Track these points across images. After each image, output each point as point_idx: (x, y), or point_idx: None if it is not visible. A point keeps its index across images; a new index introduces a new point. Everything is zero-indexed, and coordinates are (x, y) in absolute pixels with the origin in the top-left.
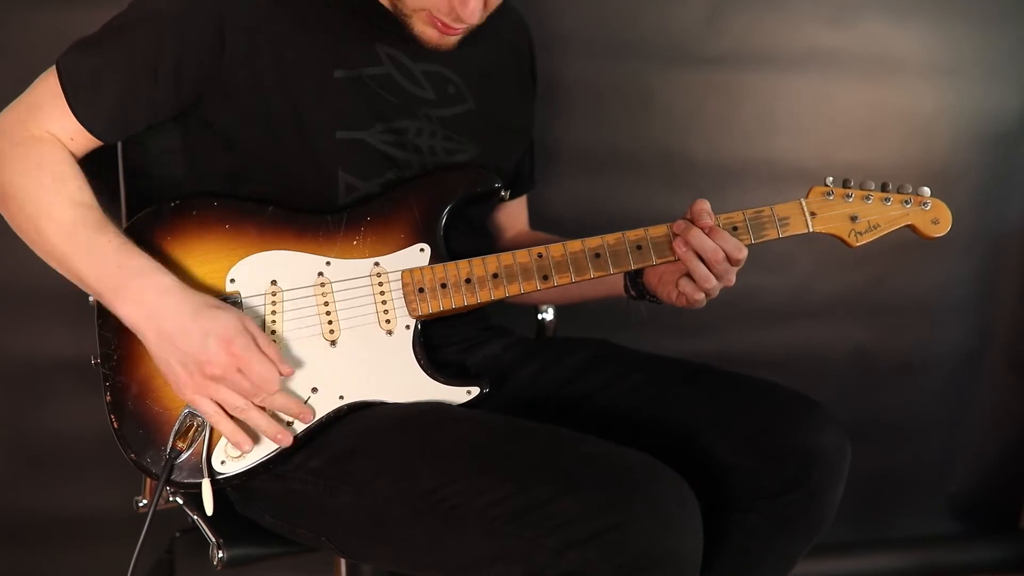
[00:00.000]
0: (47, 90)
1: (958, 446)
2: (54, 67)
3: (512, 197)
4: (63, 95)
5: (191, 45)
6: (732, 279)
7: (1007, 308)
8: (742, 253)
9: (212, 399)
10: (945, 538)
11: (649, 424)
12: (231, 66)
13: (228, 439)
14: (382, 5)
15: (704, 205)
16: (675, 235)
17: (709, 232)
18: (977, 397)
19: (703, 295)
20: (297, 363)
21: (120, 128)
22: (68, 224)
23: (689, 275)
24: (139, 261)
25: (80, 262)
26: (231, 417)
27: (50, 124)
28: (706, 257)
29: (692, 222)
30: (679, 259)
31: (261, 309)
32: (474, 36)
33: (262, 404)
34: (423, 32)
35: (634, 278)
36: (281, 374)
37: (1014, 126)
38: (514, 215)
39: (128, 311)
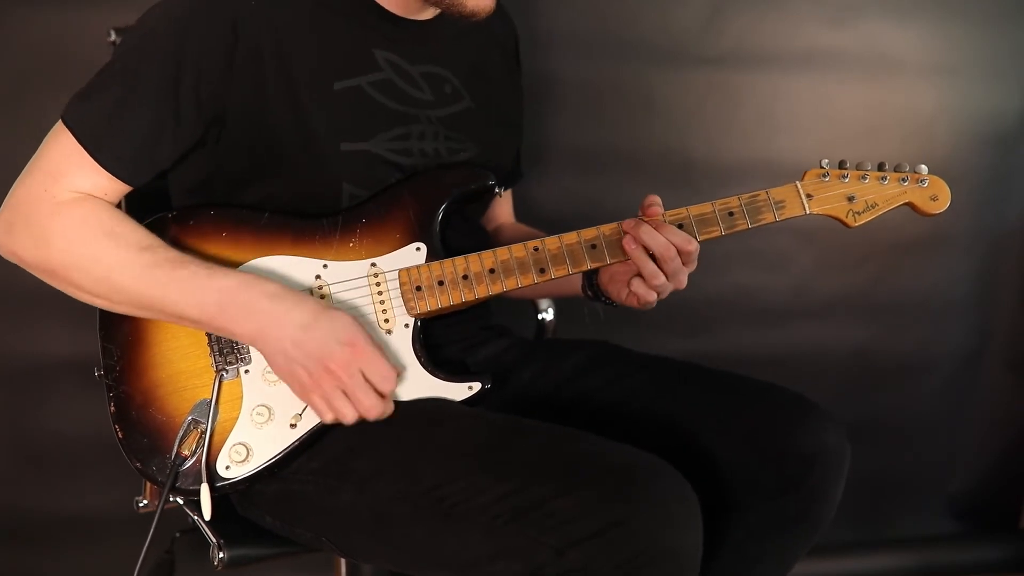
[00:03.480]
0: (61, 150)
1: (958, 446)
2: (60, 125)
3: (503, 190)
4: (83, 151)
5: (208, 71)
6: (684, 280)
7: (1007, 308)
8: (692, 245)
9: (328, 399)
10: (945, 538)
11: (649, 423)
12: (237, 82)
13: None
14: (380, 8)
15: (655, 199)
16: (624, 233)
17: (657, 228)
18: (977, 397)
19: (654, 295)
20: None
21: (150, 169)
22: (144, 271)
23: (640, 274)
24: (235, 278)
25: (174, 301)
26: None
27: (77, 183)
28: (657, 253)
29: (642, 216)
30: (629, 257)
31: None
32: (465, 34)
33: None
34: (477, 5)
35: (590, 278)
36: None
37: (1014, 126)
38: (499, 207)
39: (244, 328)
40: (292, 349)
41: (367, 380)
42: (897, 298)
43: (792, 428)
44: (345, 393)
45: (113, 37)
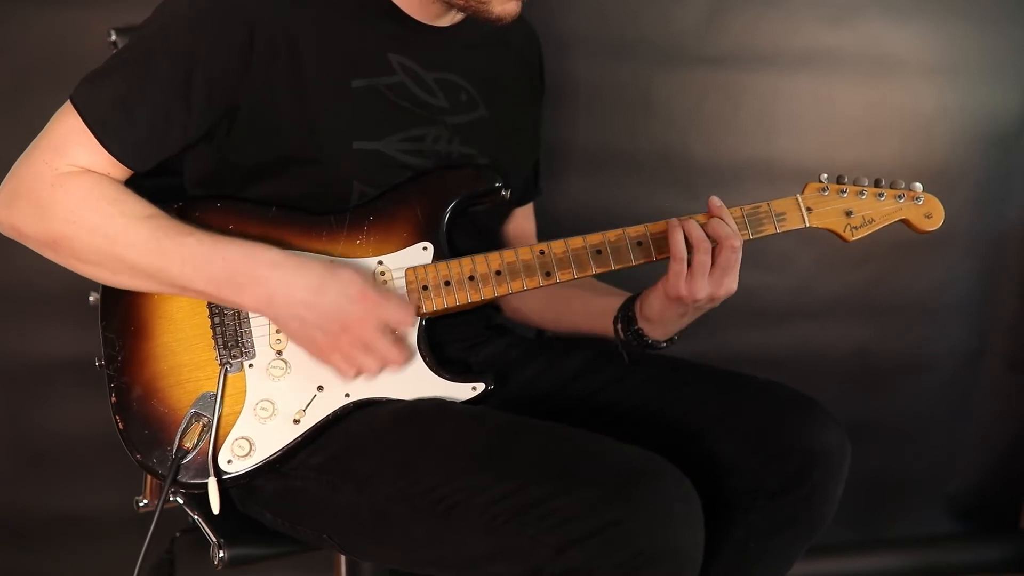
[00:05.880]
0: (68, 129)
1: (958, 446)
2: (68, 106)
3: (519, 204)
4: (89, 132)
5: (222, 68)
6: (730, 282)
7: (1007, 308)
8: (736, 240)
9: (349, 356)
10: (945, 538)
11: (650, 423)
12: (251, 79)
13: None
14: (400, 12)
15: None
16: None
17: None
18: (977, 397)
19: (691, 290)
20: (303, 362)
21: (154, 157)
22: (147, 240)
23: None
24: (239, 246)
25: (178, 271)
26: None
27: (80, 159)
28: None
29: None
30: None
31: None
32: (484, 44)
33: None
34: (503, 10)
35: (627, 321)
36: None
37: (1014, 126)
38: (520, 226)
39: (251, 297)
40: (305, 313)
41: (386, 326)
42: (897, 298)
43: (793, 427)
44: (366, 347)
45: (113, 37)
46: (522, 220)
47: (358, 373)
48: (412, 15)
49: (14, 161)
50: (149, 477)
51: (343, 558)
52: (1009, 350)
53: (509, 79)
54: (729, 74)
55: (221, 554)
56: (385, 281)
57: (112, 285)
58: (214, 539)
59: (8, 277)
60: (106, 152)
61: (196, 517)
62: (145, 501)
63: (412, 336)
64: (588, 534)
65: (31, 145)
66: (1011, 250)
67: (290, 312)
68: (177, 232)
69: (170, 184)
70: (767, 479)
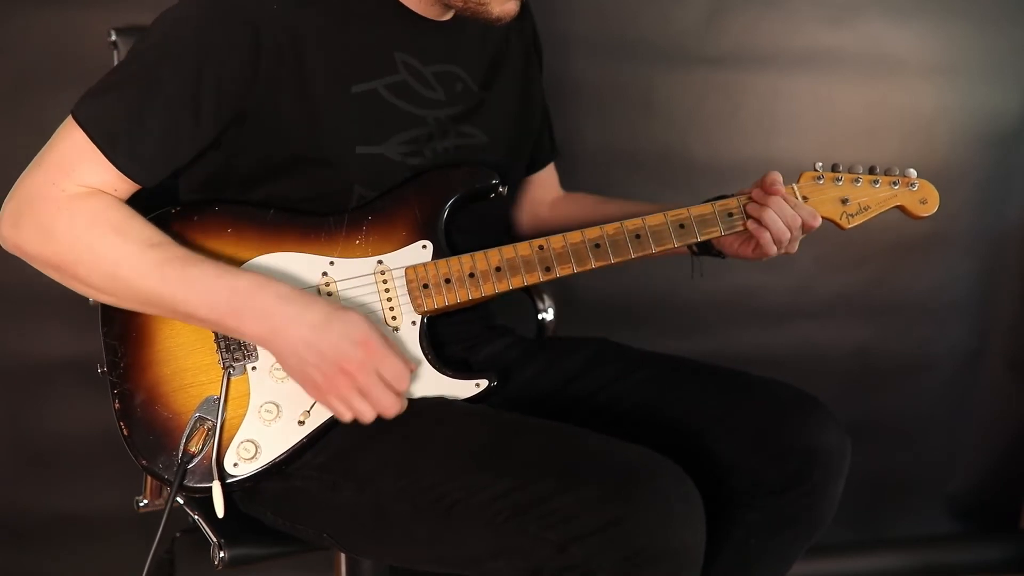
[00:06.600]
0: (73, 145)
1: (958, 446)
2: (70, 121)
3: (538, 168)
4: (96, 148)
5: (230, 74)
6: (795, 247)
7: (1007, 308)
8: (816, 221)
9: (346, 400)
10: (945, 538)
11: (651, 421)
12: (259, 84)
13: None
14: (404, 8)
15: (777, 177)
16: (749, 217)
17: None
18: (977, 397)
19: (775, 249)
20: None
21: (164, 170)
22: (153, 268)
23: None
24: (247, 278)
25: (183, 299)
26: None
27: (88, 178)
28: (785, 220)
29: (764, 192)
30: (749, 231)
31: None
32: (484, 32)
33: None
34: (503, 10)
35: (704, 248)
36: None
37: (1014, 126)
38: (545, 184)
39: (255, 329)
40: (305, 350)
41: (382, 379)
42: (897, 298)
43: (794, 426)
44: (362, 392)
45: (113, 37)
46: (546, 180)
47: (353, 418)
48: (416, 11)
49: (14, 161)
50: (149, 477)
51: (343, 557)
52: (1009, 350)
53: (508, 59)
54: (729, 74)
55: (221, 554)
56: (386, 281)
57: (117, 307)
58: (214, 539)
59: (8, 277)
60: (115, 168)
61: (196, 517)
62: (145, 501)
63: (409, 388)
64: (589, 533)
65: (35, 161)
66: (1011, 250)
67: (290, 348)
68: (184, 261)
69: (167, 186)
70: (768, 478)
